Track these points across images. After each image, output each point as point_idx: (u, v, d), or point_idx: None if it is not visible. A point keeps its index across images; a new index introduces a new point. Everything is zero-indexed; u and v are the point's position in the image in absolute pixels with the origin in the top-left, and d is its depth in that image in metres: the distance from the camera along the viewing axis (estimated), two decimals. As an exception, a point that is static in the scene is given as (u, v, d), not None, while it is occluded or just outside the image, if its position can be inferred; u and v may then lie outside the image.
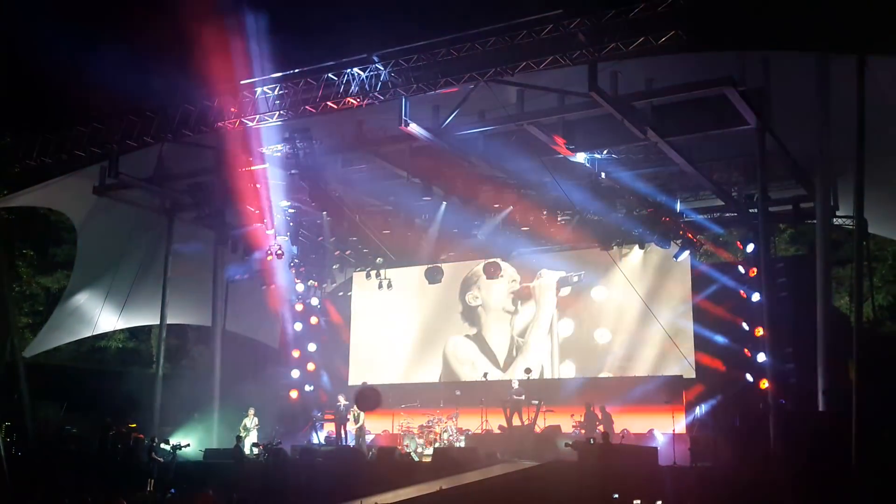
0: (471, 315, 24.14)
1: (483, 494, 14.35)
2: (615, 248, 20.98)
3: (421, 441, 20.25)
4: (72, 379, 24.52)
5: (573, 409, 20.04)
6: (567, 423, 19.78)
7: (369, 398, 20.16)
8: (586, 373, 22.25)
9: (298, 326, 24.87)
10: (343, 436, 21.38)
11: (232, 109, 16.43)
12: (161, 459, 18.27)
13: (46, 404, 22.42)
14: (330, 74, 15.53)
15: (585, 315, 22.66)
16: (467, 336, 24.07)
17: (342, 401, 21.74)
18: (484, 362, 23.54)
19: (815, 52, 15.19)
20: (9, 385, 20.76)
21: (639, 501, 12.52)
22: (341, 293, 26.68)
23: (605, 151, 17.88)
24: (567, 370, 22.65)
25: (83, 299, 23.07)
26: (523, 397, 20.26)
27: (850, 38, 13.82)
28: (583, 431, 18.85)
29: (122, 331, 27.39)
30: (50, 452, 19.73)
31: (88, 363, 28.06)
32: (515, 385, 20.65)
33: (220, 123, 16.62)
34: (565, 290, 22.99)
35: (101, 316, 22.80)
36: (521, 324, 23.47)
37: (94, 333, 24.30)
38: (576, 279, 22.70)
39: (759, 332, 17.57)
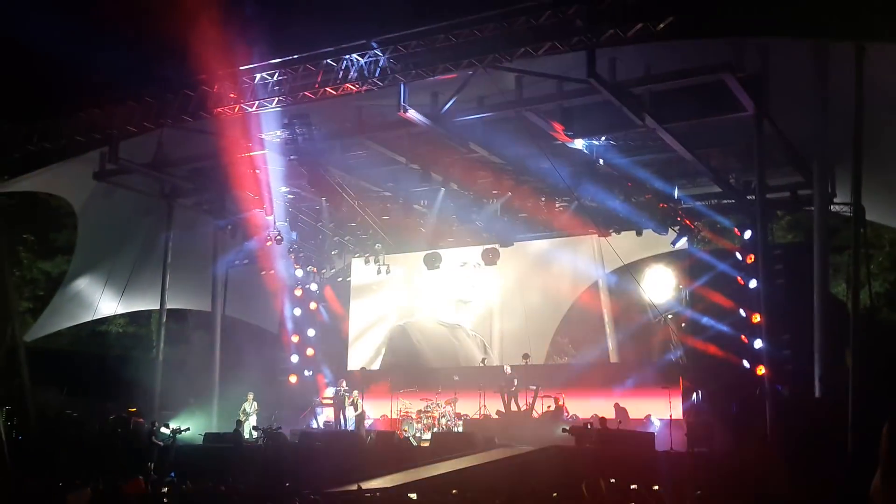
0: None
1: (480, 479, 14.41)
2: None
3: (419, 426, 20.37)
4: (72, 363, 24.52)
5: (570, 394, 20.18)
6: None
7: None
8: (582, 359, 22.33)
9: (297, 312, 24.95)
10: (342, 420, 21.47)
11: (231, 95, 16.42)
12: (161, 443, 18.35)
13: (47, 388, 22.40)
14: (329, 60, 15.51)
15: (584, 301, 22.75)
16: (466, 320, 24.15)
17: (342, 386, 21.82)
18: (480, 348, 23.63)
19: (814, 39, 15.16)
20: (9, 369, 20.82)
21: (635, 487, 12.55)
22: (340, 279, 26.76)
23: (603, 138, 17.90)
24: (565, 355, 22.74)
25: (83, 284, 23.13)
26: (516, 382, 20.36)
27: (849, 24, 13.78)
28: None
29: (122, 315, 27.42)
30: (50, 436, 19.81)
31: (89, 347, 28.08)
32: (508, 370, 20.73)
33: (219, 109, 16.60)
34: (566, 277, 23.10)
35: (101, 300, 22.89)
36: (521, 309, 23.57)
37: (95, 318, 24.39)
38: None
39: (756, 318, 17.60)
